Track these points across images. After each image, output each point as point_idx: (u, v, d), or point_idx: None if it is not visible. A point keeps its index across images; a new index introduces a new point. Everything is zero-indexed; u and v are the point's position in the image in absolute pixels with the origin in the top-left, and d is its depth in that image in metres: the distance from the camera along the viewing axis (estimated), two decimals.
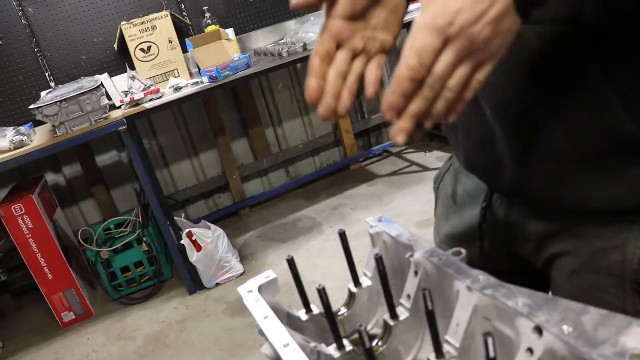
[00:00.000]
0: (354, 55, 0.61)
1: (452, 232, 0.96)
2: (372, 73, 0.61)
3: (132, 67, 3.15)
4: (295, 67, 3.77)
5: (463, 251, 0.78)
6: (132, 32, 3.06)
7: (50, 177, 3.39)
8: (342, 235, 0.76)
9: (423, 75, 0.52)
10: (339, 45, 0.60)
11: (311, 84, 0.61)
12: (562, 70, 0.64)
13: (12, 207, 2.78)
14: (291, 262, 0.66)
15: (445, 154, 3.71)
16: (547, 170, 0.72)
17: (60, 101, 2.54)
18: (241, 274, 2.98)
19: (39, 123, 2.85)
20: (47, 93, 2.90)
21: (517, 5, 0.52)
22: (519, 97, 0.70)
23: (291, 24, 3.66)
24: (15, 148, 2.64)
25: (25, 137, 2.69)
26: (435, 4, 0.51)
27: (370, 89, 0.60)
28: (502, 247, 0.87)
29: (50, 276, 2.92)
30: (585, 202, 0.70)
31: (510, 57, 0.55)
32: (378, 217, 0.85)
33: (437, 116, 0.55)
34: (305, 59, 2.95)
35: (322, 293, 0.60)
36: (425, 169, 3.69)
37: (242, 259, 3.11)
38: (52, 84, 3.24)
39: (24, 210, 2.80)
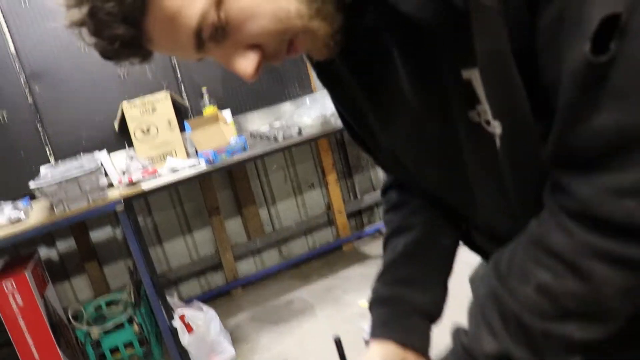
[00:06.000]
0: None
1: None
2: None
3: (131, 145, 3.23)
4: (290, 150, 3.85)
5: None
6: (133, 113, 3.15)
7: (43, 252, 3.38)
8: (338, 343, 0.79)
9: None
10: None
11: None
12: None
13: (4, 284, 2.77)
14: None
15: None
16: None
17: (60, 182, 2.59)
18: (233, 358, 2.95)
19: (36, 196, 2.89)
20: (47, 169, 2.95)
21: None
22: None
23: (287, 106, 3.76)
24: (12, 224, 2.67)
25: (22, 213, 2.73)
26: None
27: None
28: None
29: (36, 356, 2.87)
30: None
31: None
32: None
33: None
34: (300, 144, 3.04)
35: None
36: None
37: (234, 341, 3.08)
38: (51, 158, 3.29)
39: (15, 287, 2.78)
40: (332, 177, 3.93)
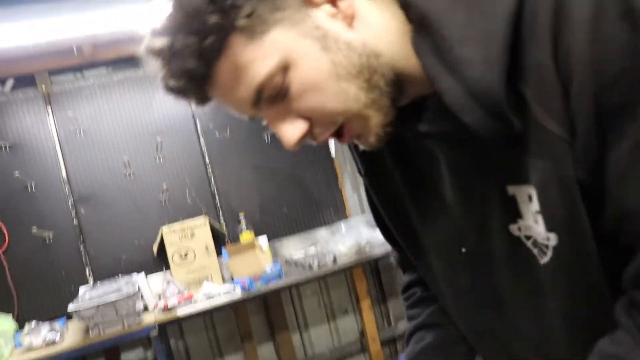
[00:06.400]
0: None
1: None
2: None
3: (168, 268, 3.29)
4: (324, 278, 3.86)
5: None
6: (172, 238, 3.24)
7: None
8: None
9: None
10: None
11: None
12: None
13: None
14: None
15: None
16: None
17: (98, 305, 2.64)
18: None
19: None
20: (86, 291, 3.00)
21: None
22: None
23: (322, 231, 3.82)
24: (47, 346, 2.70)
25: (58, 335, 2.76)
26: None
27: None
28: None
29: None
30: None
31: None
32: None
33: None
34: (334, 273, 3.05)
35: None
36: None
37: None
38: (90, 279, 3.36)
39: None
40: (366, 303, 3.89)
